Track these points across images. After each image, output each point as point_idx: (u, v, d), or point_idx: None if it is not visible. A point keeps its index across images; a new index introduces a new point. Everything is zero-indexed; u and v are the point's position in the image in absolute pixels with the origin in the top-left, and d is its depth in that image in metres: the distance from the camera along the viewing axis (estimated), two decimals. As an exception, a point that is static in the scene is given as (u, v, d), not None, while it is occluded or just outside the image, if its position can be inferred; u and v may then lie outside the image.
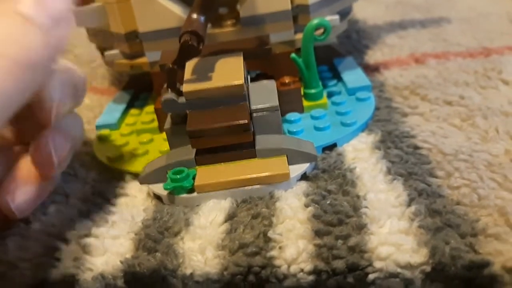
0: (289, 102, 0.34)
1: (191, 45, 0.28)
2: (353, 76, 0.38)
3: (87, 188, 0.31)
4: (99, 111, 0.41)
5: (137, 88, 0.42)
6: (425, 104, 0.33)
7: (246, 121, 0.28)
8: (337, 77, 0.39)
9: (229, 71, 0.30)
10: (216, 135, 0.28)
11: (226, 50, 0.33)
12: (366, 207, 0.24)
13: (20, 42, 0.19)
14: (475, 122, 0.30)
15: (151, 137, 0.35)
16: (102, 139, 0.36)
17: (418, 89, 0.35)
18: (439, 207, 0.24)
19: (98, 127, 0.37)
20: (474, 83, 0.34)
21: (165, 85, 0.30)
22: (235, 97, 0.29)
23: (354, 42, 0.46)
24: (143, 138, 0.35)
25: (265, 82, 0.32)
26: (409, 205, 0.24)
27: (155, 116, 0.36)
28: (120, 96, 0.42)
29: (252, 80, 0.35)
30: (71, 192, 0.31)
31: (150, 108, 0.38)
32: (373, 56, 0.43)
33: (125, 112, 0.39)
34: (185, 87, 0.29)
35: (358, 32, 0.47)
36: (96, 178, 0.32)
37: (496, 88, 0.34)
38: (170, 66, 0.29)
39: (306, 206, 0.25)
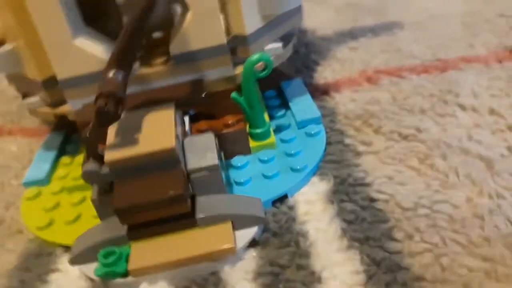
0: (234, 144, 0.31)
1: (107, 111, 0.24)
2: (302, 105, 0.35)
3: (16, 262, 0.28)
4: (29, 160, 0.37)
5: (68, 128, 0.38)
6: (379, 139, 0.31)
7: (181, 192, 0.24)
8: (285, 103, 0.36)
9: (159, 130, 0.27)
10: (148, 209, 0.25)
11: (156, 99, 0.29)
12: (321, 292, 0.22)
13: None
14: (434, 163, 0.28)
15: (83, 196, 0.31)
16: (30, 199, 0.32)
17: (371, 119, 0.32)
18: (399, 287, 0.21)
19: (26, 184, 0.33)
20: (431, 111, 0.32)
21: (85, 154, 0.26)
22: (167, 163, 0.26)
23: (303, 57, 0.43)
24: (75, 197, 0.31)
25: (203, 135, 0.29)
26: (367, 284, 0.22)
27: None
28: (50, 139, 0.38)
29: (192, 118, 0.31)
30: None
31: (81, 158, 0.34)
32: (323, 73, 0.40)
33: (56, 160, 0.35)
34: (107, 156, 0.25)
35: (306, 46, 0.44)
36: (25, 251, 0.29)
37: (454, 115, 0.31)
38: (88, 133, 0.25)
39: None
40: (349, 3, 0.52)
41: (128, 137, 0.26)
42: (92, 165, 0.25)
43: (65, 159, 0.35)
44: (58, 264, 0.28)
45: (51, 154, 0.36)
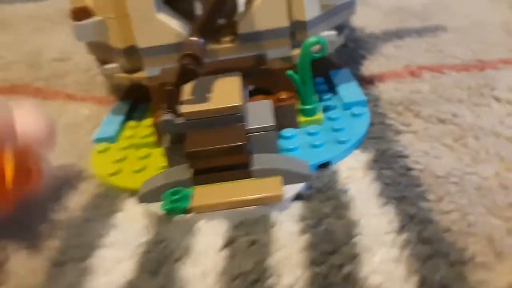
0: (284, 117, 0.35)
1: (190, 69, 0.28)
2: (349, 90, 0.38)
3: (87, 201, 0.32)
4: (98, 122, 0.41)
5: (135, 98, 0.43)
6: (418, 122, 0.34)
7: (242, 143, 0.28)
8: (333, 90, 0.40)
9: (227, 92, 0.31)
10: (213, 156, 0.28)
11: (224, 69, 0.33)
12: (360, 234, 0.25)
13: None
14: (467, 142, 0.31)
15: (149, 152, 0.35)
16: (100, 152, 0.36)
17: (412, 105, 0.36)
18: (429, 234, 0.24)
19: (97, 140, 0.38)
20: (467, 100, 0.35)
21: (164, 105, 0.30)
22: (232, 119, 0.29)
23: (351, 51, 0.46)
24: (141, 153, 0.35)
25: (262, 102, 0.33)
26: (400, 231, 0.25)
27: (153, 130, 0.36)
28: (118, 107, 0.42)
29: (251, 93, 0.35)
30: (70, 203, 0.32)
31: (148, 121, 0.39)
32: (369, 67, 0.43)
33: (123, 124, 0.40)
34: (184, 109, 0.30)
35: (355, 41, 0.48)
36: (95, 192, 0.33)
37: (489, 105, 0.34)
38: (170, 88, 0.29)
39: (302, 232, 0.26)
40: (398, 7, 0.55)
41: (201, 95, 0.30)
42: (170, 115, 0.29)
43: (131, 123, 0.39)
44: (124, 205, 0.31)
45: (120, 117, 0.40)
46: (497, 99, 0.34)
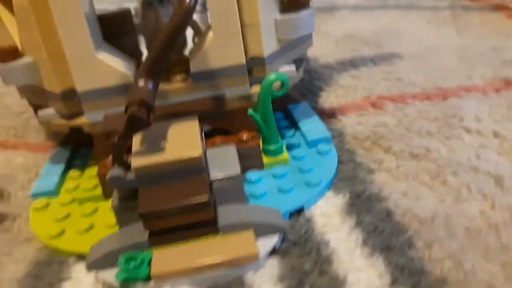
0: (248, 159, 0.32)
1: (139, 117, 0.25)
2: (311, 126, 0.36)
3: (26, 270, 0.28)
4: (35, 173, 0.37)
5: (76, 143, 0.39)
6: (390, 158, 0.32)
7: (205, 199, 0.25)
8: (294, 124, 0.37)
9: (184, 140, 0.27)
10: (173, 215, 0.25)
11: (178, 112, 0.30)
12: (348, 294, 0.22)
13: None
14: (446, 180, 0.29)
15: (95, 207, 0.31)
16: (39, 209, 0.32)
17: (380, 140, 0.34)
18: (425, 287, 0.22)
19: (34, 196, 0.33)
20: (437, 133, 0.33)
21: (111, 158, 0.26)
22: (192, 170, 0.26)
23: (307, 83, 0.44)
24: (86, 208, 0.31)
25: (225, 147, 0.29)
26: (393, 286, 0.22)
27: (97, 181, 0.32)
28: (58, 154, 0.38)
29: (208, 135, 0.32)
30: (5, 276, 0.27)
31: (91, 171, 0.34)
32: (328, 99, 0.41)
33: (64, 174, 0.35)
34: (134, 162, 0.26)
35: (310, 73, 0.46)
36: (34, 259, 0.28)
37: (460, 137, 0.33)
38: (117, 139, 0.25)
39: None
40: (349, 35, 0.54)
41: (154, 145, 0.27)
42: (118, 171, 0.26)
43: (73, 173, 0.35)
44: (70, 273, 0.27)
45: (59, 167, 0.35)
46: (468, 131, 0.33)
